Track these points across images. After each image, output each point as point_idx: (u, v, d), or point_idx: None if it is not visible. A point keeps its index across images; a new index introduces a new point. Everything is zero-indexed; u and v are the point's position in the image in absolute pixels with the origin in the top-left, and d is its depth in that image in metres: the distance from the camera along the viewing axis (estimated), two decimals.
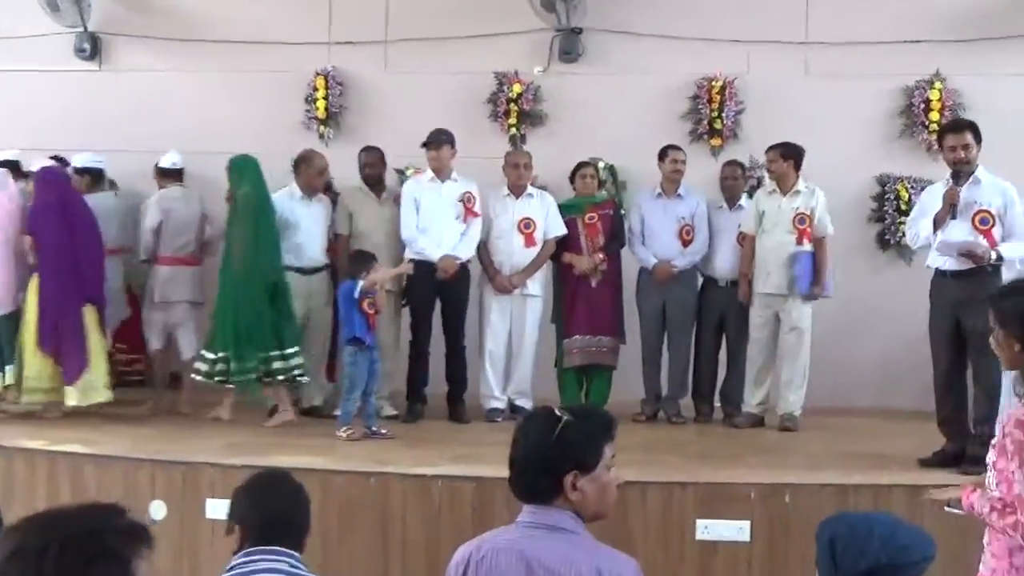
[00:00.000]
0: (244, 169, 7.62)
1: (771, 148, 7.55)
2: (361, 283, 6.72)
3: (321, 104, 9.33)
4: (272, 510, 2.97)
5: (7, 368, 7.49)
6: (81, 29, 9.46)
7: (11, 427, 6.92)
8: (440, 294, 7.58)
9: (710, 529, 5.65)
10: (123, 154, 8.76)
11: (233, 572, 2.80)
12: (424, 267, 7.43)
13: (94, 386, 7.42)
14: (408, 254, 7.56)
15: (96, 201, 7.97)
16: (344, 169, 8.24)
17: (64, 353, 7.32)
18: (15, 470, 6.34)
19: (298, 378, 7.44)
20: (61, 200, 7.49)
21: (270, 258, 7.44)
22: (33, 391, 7.40)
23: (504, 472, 5.33)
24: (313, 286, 7.74)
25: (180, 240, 8.01)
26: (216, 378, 7.30)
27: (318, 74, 9.34)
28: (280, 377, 7.32)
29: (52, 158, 7.92)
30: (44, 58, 9.53)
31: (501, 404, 7.74)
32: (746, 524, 5.66)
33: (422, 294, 7.59)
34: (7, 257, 7.49)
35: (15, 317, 7.48)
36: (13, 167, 8.04)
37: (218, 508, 5.85)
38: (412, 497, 5.82)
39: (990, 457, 3.35)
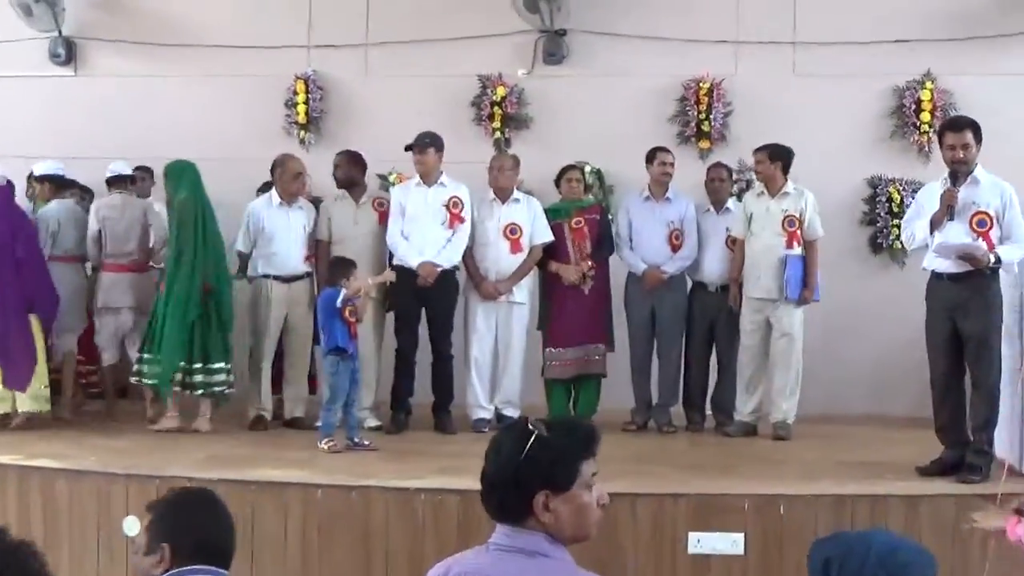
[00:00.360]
0: (181, 175, 7.55)
1: (759, 149, 7.44)
2: (343, 292, 6.59)
3: (301, 109, 9.22)
4: (206, 530, 2.80)
5: None
6: (56, 34, 9.34)
7: None
8: (425, 301, 7.42)
9: (703, 542, 5.49)
10: (99, 161, 8.51)
11: None
12: (407, 274, 7.29)
13: (39, 394, 7.42)
14: (399, 259, 7.40)
15: (57, 208, 7.98)
16: (325, 175, 8.07)
17: (11, 360, 7.30)
18: None
19: (222, 393, 7.42)
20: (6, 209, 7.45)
21: (208, 266, 7.36)
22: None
23: None
24: (293, 294, 7.59)
25: (121, 247, 7.89)
26: (144, 379, 7.38)
27: (298, 78, 9.23)
28: (199, 391, 7.32)
29: None
30: (18, 64, 9.41)
31: (488, 414, 7.57)
32: (740, 536, 5.50)
33: (406, 301, 7.44)
34: None
35: None
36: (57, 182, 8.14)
37: None
38: (395, 511, 5.65)
39: None
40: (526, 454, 2.50)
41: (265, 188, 7.83)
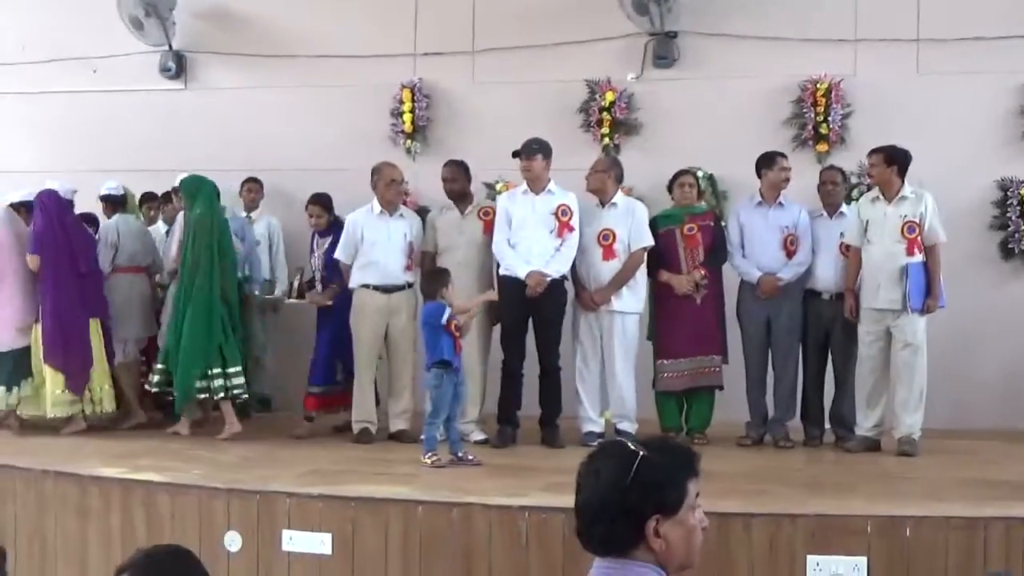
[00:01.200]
0: (197, 191, 7.75)
1: (873, 152, 7.15)
2: (448, 310, 6.47)
3: (408, 117, 9.18)
4: None
5: (22, 383, 7.72)
6: (166, 48, 9.50)
7: (86, 454, 6.79)
8: (531, 312, 7.25)
9: (823, 566, 5.21)
10: (211, 173, 8.44)
11: None
12: (514, 284, 7.17)
13: (102, 397, 7.82)
14: (505, 269, 7.28)
15: (116, 222, 8.25)
16: (433, 183, 8.00)
17: (71, 365, 7.61)
18: (89, 499, 6.20)
19: (239, 396, 7.67)
20: (59, 222, 7.71)
21: (223, 279, 7.60)
22: (58, 404, 7.63)
23: None
24: (393, 304, 7.48)
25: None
26: (164, 388, 7.71)
27: (404, 87, 9.20)
28: (221, 395, 7.56)
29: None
30: (130, 78, 9.61)
31: (598, 428, 7.37)
32: (863, 560, 5.20)
33: (512, 312, 7.27)
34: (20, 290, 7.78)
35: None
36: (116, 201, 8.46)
37: (294, 539, 5.70)
38: (497, 529, 5.47)
39: None
40: (634, 476, 2.35)
41: None
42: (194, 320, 7.48)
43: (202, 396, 7.62)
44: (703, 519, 2.42)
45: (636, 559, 2.41)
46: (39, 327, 7.69)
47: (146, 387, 7.97)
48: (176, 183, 8.06)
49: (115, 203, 8.35)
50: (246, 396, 7.78)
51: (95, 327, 7.81)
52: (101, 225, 8.30)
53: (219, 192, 7.92)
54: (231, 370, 7.57)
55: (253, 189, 8.95)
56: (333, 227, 7.71)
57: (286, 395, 8.61)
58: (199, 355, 7.48)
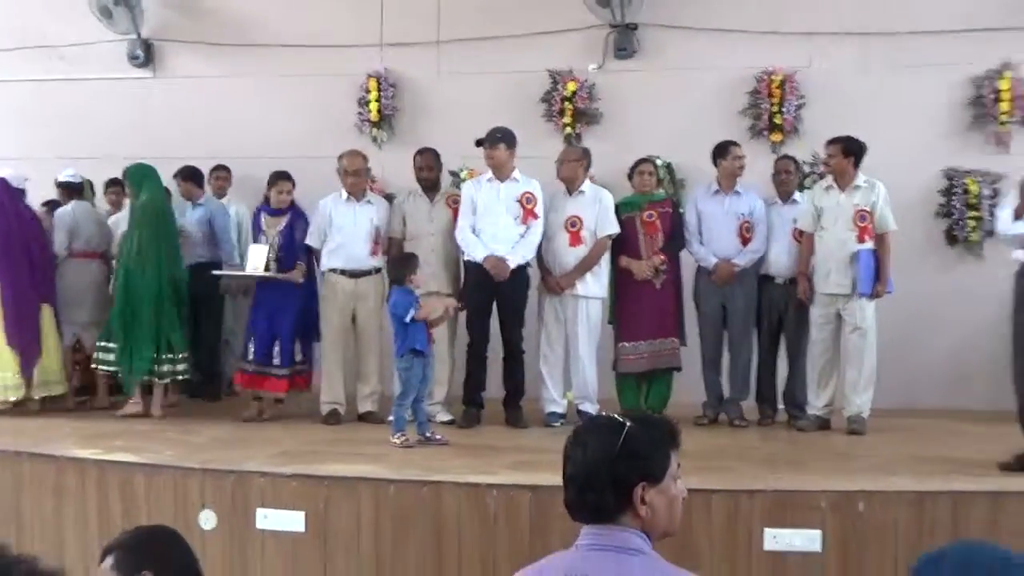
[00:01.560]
0: (143, 178, 7.84)
1: (831, 142, 7.24)
2: (412, 312, 6.51)
3: (374, 107, 9.20)
4: (184, 557, 2.79)
5: None
6: (134, 36, 9.45)
7: (62, 435, 6.79)
8: (496, 296, 7.31)
9: (779, 539, 5.35)
10: (179, 160, 8.66)
11: None
12: (479, 269, 7.24)
13: (52, 379, 7.85)
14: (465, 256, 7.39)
15: (72, 209, 8.21)
16: (398, 172, 8.09)
17: (24, 347, 7.65)
18: (65, 480, 6.22)
19: (184, 380, 7.96)
20: (12, 210, 7.75)
21: (166, 263, 7.68)
22: (10, 388, 7.70)
23: (560, 480, 5.04)
24: (360, 289, 7.57)
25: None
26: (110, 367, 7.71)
27: (370, 76, 9.22)
28: (166, 380, 7.71)
29: None
30: (98, 66, 9.55)
31: (560, 408, 7.47)
32: (817, 533, 5.35)
33: (478, 297, 7.33)
34: None
35: None
36: (73, 188, 8.38)
37: (269, 517, 5.74)
38: (466, 507, 5.57)
39: None
40: (622, 447, 2.46)
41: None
42: (142, 305, 7.56)
43: (147, 378, 7.67)
44: (683, 489, 2.54)
45: (623, 525, 2.54)
46: None
47: (94, 367, 7.90)
48: (124, 172, 8.02)
49: (72, 190, 8.32)
50: (188, 377, 7.98)
51: (47, 312, 7.85)
52: (57, 211, 8.25)
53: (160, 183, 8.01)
54: (179, 356, 7.71)
55: (221, 176, 8.94)
56: (289, 208, 7.71)
57: None
58: (149, 340, 7.56)
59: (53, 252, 8.04)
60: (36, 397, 7.73)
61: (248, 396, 7.71)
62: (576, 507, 2.55)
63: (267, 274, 7.43)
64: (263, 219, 7.70)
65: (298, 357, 7.61)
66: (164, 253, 7.68)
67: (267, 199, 7.72)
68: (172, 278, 7.73)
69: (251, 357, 7.50)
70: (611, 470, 2.47)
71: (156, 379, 7.68)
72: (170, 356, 7.67)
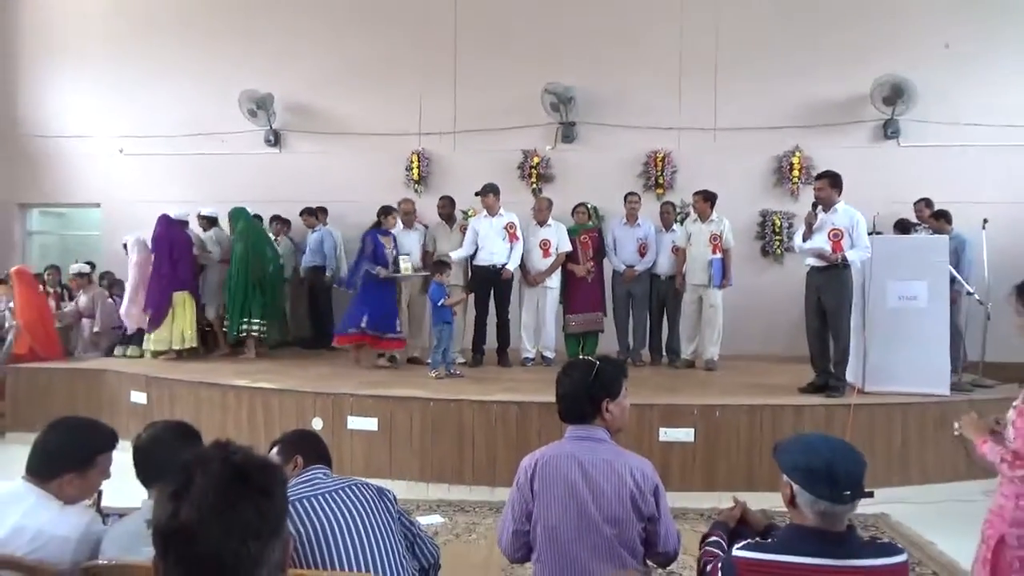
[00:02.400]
0: (239, 215, 7.82)
1: (696, 193, 7.14)
2: (443, 300, 6.43)
3: (416, 170, 9.05)
4: (320, 445, 2.68)
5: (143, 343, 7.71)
6: (268, 127, 9.23)
7: (224, 372, 6.58)
8: (493, 286, 7.18)
9: (668, 434, 5.32)
10: (293, 204, 8.56)
11: (309, 474, 2.48)
12: (483, 270, 7.12)
13: (188, 338, 7.63)
14: (477, 261, 7.18)
15: (210, 233, 8.08)
16: (430, 210, 7.90)
17: (153, 317, 7.56)
18: (227, 400, 6.07)
19: (261, 335, 7.75)
20: (166, 234, 7.63)
21: (253, 266, 7.63)
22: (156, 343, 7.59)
23: (537, 398, 4.92)
24: (413, 282, 7.37)
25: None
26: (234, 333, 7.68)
27: (413, 152, 9.07)
28: (254, 333, 7.65)
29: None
30: (244, 146, 9.33)
31: (532, 355, 7.35)
32: (691, 430, 5.32)
33: (482, 287, 7.19)
34: (140, 296, 7.69)
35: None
36: (211, 220, 8.15)
37: (356, 423, 5.63)
38: (477, 415, 5.48)
39: (1010, 415, 2.64)
40: (595, 376, 2.46)
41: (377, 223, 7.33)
42: (235, 291, 7.57)
43: (243, 335, 7.64)
44: (628, 403, 2.53)
45: (595, 425, 2.46)
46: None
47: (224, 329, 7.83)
48: (227, 212, 7.97)
49: (210, 220, 8.10)
50: (264, 336, 7.78)
51: (183, 297, 7.60)
52: (204, 234, 8.02)
53: (252, 217, 7.93)
54: (255, 320, 7.62)
55: (321, 213, 8.74)
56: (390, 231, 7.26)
57: None
58: (239, 311, 7.57)
59: (197, 261, 7.83)
60: (176, 348, 7.55)
61: (347, 349, 7.27)
62: (566, 414, 2.53)
63: (415, 273, 7.15)
64: (379, 238, 7.05)
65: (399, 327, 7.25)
66: (252, 262, 7.63)
67: (378, 224, 7.16)
68: (258, 275, 7.66)
69: (364, 325, 6.91)
70: (588, 391, 2.46)
71: (247, 335, 7.66)
72: (250, 320, 7.62)
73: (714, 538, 2.33)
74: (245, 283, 7.59)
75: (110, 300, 8.31)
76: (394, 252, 7.06)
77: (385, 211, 7.18)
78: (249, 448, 1.25)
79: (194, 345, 7.70)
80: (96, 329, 8.13)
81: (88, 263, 8.72)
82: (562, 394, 2.52)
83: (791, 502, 2.00)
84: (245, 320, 7.60)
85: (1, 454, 6.37)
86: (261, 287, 7.69)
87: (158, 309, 7.55)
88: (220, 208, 8.15)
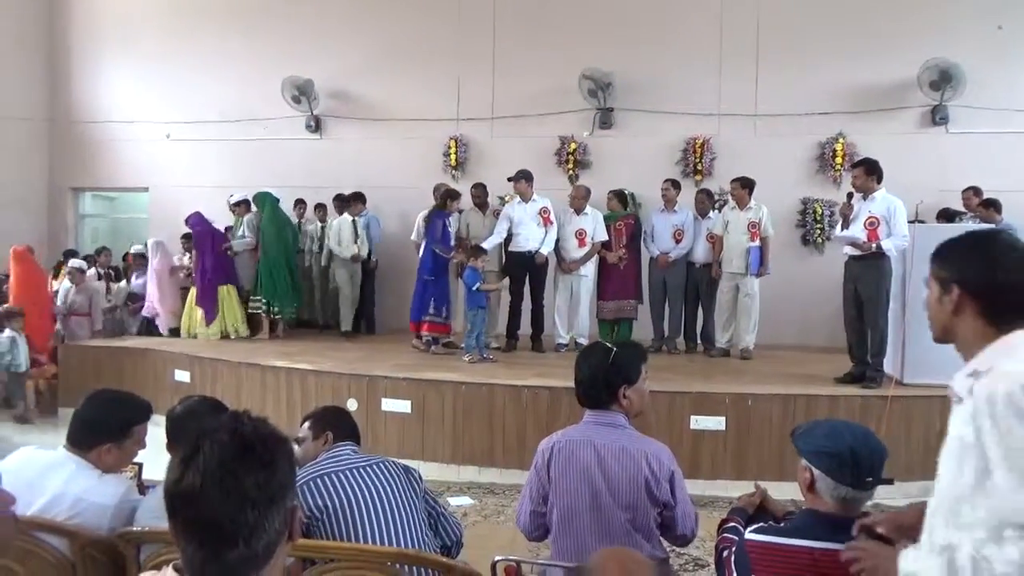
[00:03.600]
0: (265, 200, 7.96)
1: (734, 180, 7.03)
2: (479, 284, 6.47)
3: (453, 156, 9.05)
4: (350, 422, 2.76)
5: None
6: (309, 113, 9.32)
7: (264, 354, 6.73)
8: (529, 272, 7.20)
9: (699, 422, 5.31)
10: (333, 189, 8.60)
11: (337, 449, 2.56)
12: (518, 256, 7.15)
13: (239, 327, 7.91)
14: (512, 247, 7.20)
15: (246, 218, 8.11)
16: (465, 196, 7.89)
17: (207, 310, 7.85)
18: (267, 379, 6.25)
19: (290, 317, 8.12)
20: (206, 231, 7.96)
21: (282, 249, 7.86)
22: (203, 333, 7.83)
23: (568, 384, 4.97)
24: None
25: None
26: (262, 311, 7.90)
27: (451, 138, 9.07)
28: (279, 315, 7.91)
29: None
30: (287, 132, 9.44)
31: (565, 341, 7.35)
32: (723, 419, 5.30)
33: (517, 273, 7.21)
34: (171, 294, 8.16)
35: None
36: (244, 203, 8.17)
37: (389, 405, 5.72)
38: (509, 399, 5.53)
39: None
40: (612, 362, 2.45)
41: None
42: (269, 274, 7.75)
43: (265, 315, 7.85)
44: (648, 388, 2.53)
45: (612, 410, 2.46)
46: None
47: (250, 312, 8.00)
48: (252, 196, 8.09)
49: (246, 205, 8.14)
50: (287, 316, 8.03)
51: (227, 289, 7.89)
52: (244, 219, 8.09)
53: (277, 200, 8.05)
54: (288, 304, 7.93)
55: (361, 198, 8.67)
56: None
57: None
58: (270, 294, 7.80)
59: (233, 251, 7.98)
60: (231, 336, 7.81)
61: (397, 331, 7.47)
62: (584, 399, 2.54)
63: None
64: (446, 220, 7.14)
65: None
66: (280, 247, 7.84)
67: (441, 208, 7.15)
68: (286, 258, 7.86)
69: (432, 312, 6.99)
70: (606, 376, 2.46)
71: (273, 316, 7.90)
72: (281, 305, 7.89)
73: (732, 524, 2.33)
74: (274, 266, 7.79)
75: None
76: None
77: (451, 195, 7.22)
78: (264, 420, 1.30)
79: (245, 333, 7.92)
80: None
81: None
82: (579, 379, 2.52)
83: (810, 487, 2.00)
84: (275, 304, 7.85)
85: (55, 431, 6.64)
86: (290, 270, 7.92)
87: (211, 305, 7.80)
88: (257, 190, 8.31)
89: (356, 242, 8.00)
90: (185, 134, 9.78)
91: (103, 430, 2.32)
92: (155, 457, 2.53)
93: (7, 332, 7.22)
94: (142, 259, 8.61)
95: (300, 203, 8.79)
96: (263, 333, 7.92)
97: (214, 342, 7.59)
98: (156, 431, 2.44)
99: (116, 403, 2.42)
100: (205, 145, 9.70)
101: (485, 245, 6.95)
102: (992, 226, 5.78)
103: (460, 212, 7.65)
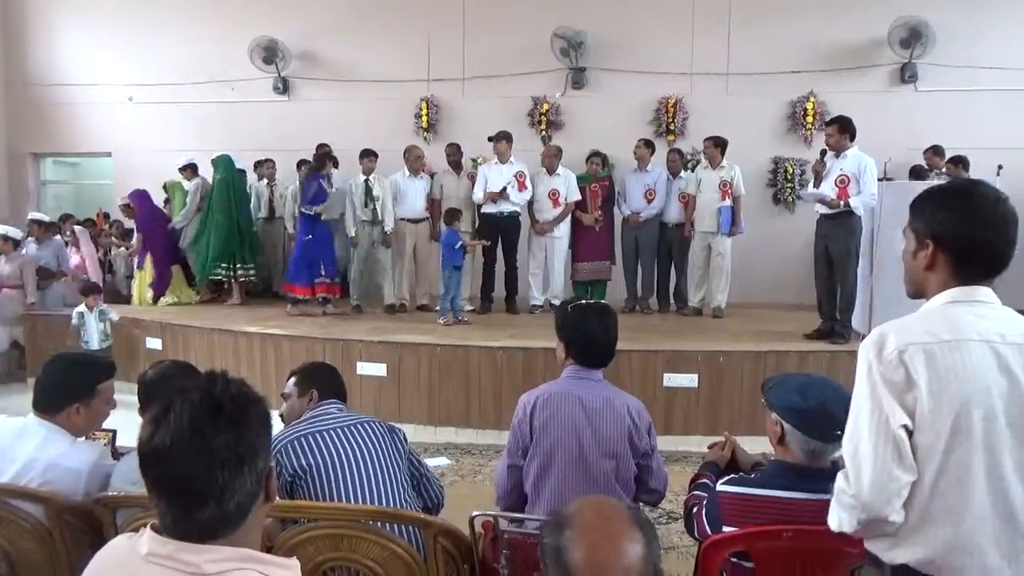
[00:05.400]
0: (220, 163, 7.77)
1: (707, 139, 7.04)
2: (461, 241, 6.45)
3: (424, 118, 8.92)
4: (337, 380, 2.75)
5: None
6: (277, 75, 9.11)
7: (237, 319, 6.66)
8: (502, 234, 7.16)
9: (672, 380, 5.38)
10: (300, 152, 8.31)
11: (321, 409, 2.55)
12: (491, 217, 7.12)
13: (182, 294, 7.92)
14: (485, 209, 7.15)
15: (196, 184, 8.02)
16: (439, 158, 7.83)
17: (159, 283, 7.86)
18: (240, 345, 6.20)
19: (252, 279, 7.91)
20: (150, 212, 7.97)
21: (237, 214, 7.71)
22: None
23: (543, 344, 4.96)
24: (418, 230, 7.37)
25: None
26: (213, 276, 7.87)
27: (422, 99, 8.93)
28: (241, 278, 7.78)
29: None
30: (255, 94, 9.22)
31: (540, 302, 7.36)
32: (695, 376, 5.38)
33: (490, 234, 7.14)
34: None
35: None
36: (191, 167, 8.10)
37: (365, 368, 5.70)
38: (484, 361, 5.56)
39: None
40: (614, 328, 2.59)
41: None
42: (218, 239, 7.64)
43: (222, 277, 7.81)
44: None
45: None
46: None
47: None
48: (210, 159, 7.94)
49: (192, 169, 8.06)
50: (252, 280, 7.91)
51: (175, 270, 7.94)
52: (189, 184, 7.97)
53: (232, 163, 7.86)
54: (248, 265, 7.79)
55: (332, 159, 8.36)
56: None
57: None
58: (220, 257, 7.70)
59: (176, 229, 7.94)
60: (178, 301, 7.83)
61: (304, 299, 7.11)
62: (598, 358, 2.57)
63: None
64: (320, 180, 6.99)
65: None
66: (232, 208, 7.68)
67: (319, 169, 7.03)
68: (238, 222, 7.70)
69: (323, 274, 6.93)
70: (615, 340, 2.59)
71: (233, 280, 7.79)
72: (243, 266, 7.76)
73: (703, 480, 2.38)
74: (228, 229, 7.65)
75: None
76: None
77: (329, 157, 7.41)
78: (240, 381, 1.29)
79: (193, 298, 7.91)
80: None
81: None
82: (592, 338, 2.53)
83: (780, 440, 2.04)
84: (230, 266, 7.73)
85: (23, 397, 6.55)
86: (243, 234, 7.78)
87: (162, 285, 7.84)
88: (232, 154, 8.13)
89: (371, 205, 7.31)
90: (148, 96, 9.52)
91: (68, 391, 2.30)
92: (129, 424, 2.52)
93: None
94: (44, 227, 8.15)
95: (264, 164, 8.41)
96: (234, 298, 7.84)
97: (187, 308, 7.51)
98: (130, 399, 2.42)
99: (77, 364, 2.39)
100: (169, 108, 9.44)
101: (476, 198, 7.04)
102: (972, 178, 5.86)
103: (433, 175, 7.57)
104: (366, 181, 7.15)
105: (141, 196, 7.95)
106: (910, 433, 1.49)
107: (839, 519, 1.55)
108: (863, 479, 1.48)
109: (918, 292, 1.70)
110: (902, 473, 1.47)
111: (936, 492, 1.48)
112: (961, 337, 1.50)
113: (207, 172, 8.06)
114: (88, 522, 2.20)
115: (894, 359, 1.49)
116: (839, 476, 1.57)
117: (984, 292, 1.59)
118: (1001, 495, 1.46)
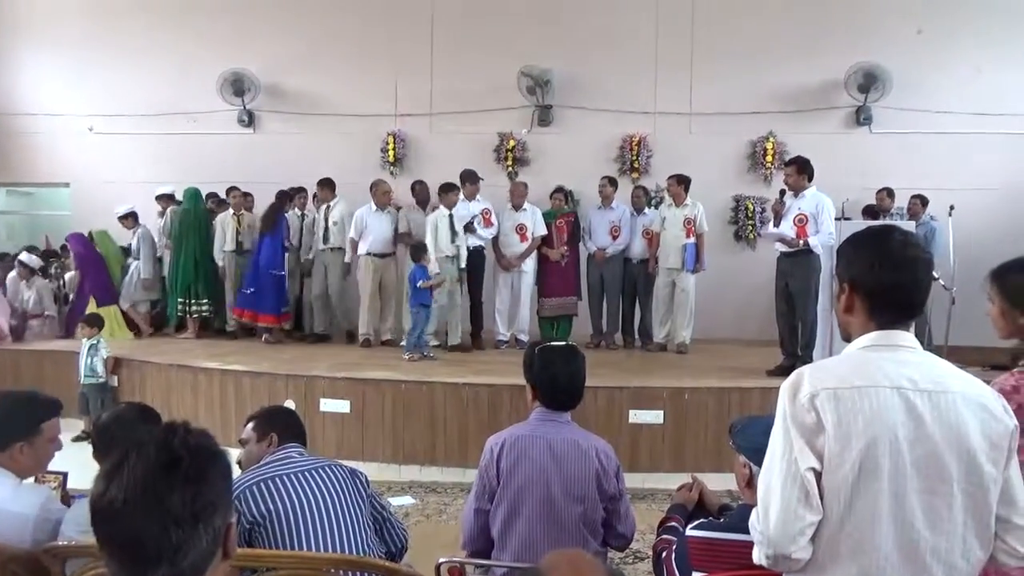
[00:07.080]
0: (188, 196, 7.82)
1: (670, 177, 7.17)
2: (427, 280, 6.46)
3: (391, 152, 8.92)
4: (296, 423, 2.70)
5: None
6: (242, 107, 9.04)
7: (195, 355, 6.53)
8: (467, 270, 7.16)
9: (638, 416, 5.37)
10: (267, 185, 8.18)
11: (282, 452, 2.50)
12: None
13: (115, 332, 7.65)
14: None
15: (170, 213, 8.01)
16: (405, 192, 7.87)
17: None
18: (199, 381, 6.06)
19: (206, 315, 7.82)
20: (91, 256, 7.91)
21: (196, 247, 7.66)
22: None
23: (509, 381, 4.92)
24: (384, 265, 7.34)
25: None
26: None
27: (389, 134, 8.93)
28: (194, 315, 7.71)
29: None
30: (219, 126, 9.12)
31: (506, 338, 7.35)
32: (661, 412, 5.38)
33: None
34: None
35: None
36: (169, 197, 8.14)
37: (328, 405, 5.62)
38: (449, 397, 5.50)
39: None
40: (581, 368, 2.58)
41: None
42: (182, 273, 7.62)
43: (184, 315, 7.75)
44: None
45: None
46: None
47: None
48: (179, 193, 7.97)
49: (169, 198, 8.11)
50: (209, 315, 7.84)
51: (110, 311, 7.72)
52: (167, 213, 8.00)
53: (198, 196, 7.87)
54: (202, 301, 7.70)
55: (303, 194, 8.18)
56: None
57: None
58: (183, 291, 7.66)
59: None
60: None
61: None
62: (567, 400, 2.56)
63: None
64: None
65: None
66: (195, 241, 7.65)
67: (280, 208, 7.49)
68: (197, 257, 7.65)
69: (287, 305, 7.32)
70: (583, 383, 2.59)
71: (189, 315, 7.73)
72: (196, 301, 7.67)
73: (672, 524, 2.36)
74: (189, 264, 7.62)
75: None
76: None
77: (289, 196, 7.67)
78: (201, 432, 1.24)
79: (128, 336, 7.79)
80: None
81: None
82: (556, 381, 2.51)
83: (748, 483, 2.04)
84: (190, 301, 7.67)
85: None
86: (202, 267, 7.69)
87: (73, 316, 7.66)
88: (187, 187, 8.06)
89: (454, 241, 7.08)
90: (109, 127, 9.36)
91: (11, 430, 2.22)
92: (80, 466, 2.44)
93: None
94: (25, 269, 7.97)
95: (230, 193, 8.18)
96: (188, 332, 7.73)
97: (144, 343, 7.34)
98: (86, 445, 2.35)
99: (21, 401, 2.32)
100: (131, 139, 9.28)
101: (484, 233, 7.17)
102: (886, 223, 6.05)
103: (399, 209, 7.57)
104: (326, 210, 7.23)
105: (78, 240, 7.94)
106: (819, 475, 1.51)
107: (755, 553, 1.58)
108: (771, 517, 1.51)
109: (844, 334, 1.72)
110: (807, 513, 1.50)
111: (844, 531, 1.51)
112: (870, 383, 1.52)
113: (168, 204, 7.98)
114: (35, 573, 2.10)
115: (806, 403, 1.52)
116: (752, 512, 1.59)
117: (904, 337, 1.61)
118: (906, 535, 1.49)
